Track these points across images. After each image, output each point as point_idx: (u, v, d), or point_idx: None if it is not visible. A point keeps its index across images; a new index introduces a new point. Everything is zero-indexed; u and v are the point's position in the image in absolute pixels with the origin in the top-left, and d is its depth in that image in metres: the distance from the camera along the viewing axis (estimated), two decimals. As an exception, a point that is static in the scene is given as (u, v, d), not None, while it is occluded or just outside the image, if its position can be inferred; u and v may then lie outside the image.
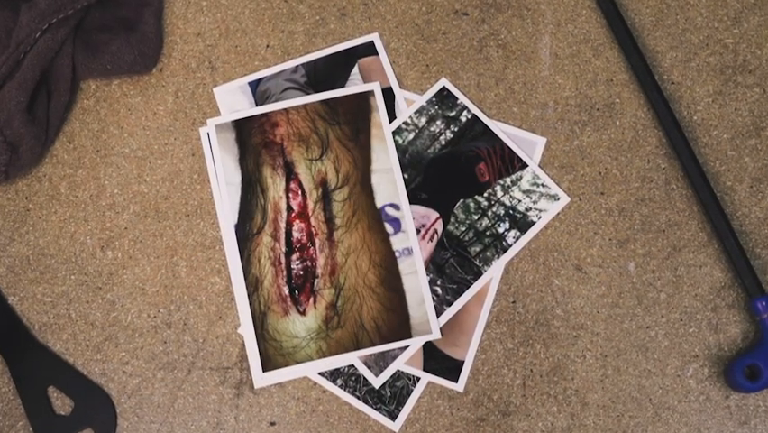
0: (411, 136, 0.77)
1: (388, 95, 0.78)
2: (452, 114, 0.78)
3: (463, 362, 0.73)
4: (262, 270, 0.74)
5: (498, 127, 0.77)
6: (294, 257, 0.74)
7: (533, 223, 0.76)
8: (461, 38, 0.79)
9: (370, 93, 0.78)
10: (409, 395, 0.73)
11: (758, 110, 0.78)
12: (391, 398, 0.73)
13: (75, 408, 0.72)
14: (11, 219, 0.76)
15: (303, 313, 0.73)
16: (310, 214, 0.75)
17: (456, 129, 0.77)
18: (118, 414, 0.72)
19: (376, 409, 0.72)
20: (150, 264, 0.75)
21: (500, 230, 0.75)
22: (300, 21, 0.80)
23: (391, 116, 0.78)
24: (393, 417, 0.72)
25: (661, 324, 0.74)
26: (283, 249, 0.74)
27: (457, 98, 0.78)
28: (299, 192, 0.75)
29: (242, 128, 0.77)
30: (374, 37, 0.79)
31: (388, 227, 0.75)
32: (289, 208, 0.75)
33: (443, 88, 0.78)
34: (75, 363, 0.73)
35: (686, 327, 0.74)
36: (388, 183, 0.76)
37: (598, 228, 0.76)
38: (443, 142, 0.77)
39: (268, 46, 0.79)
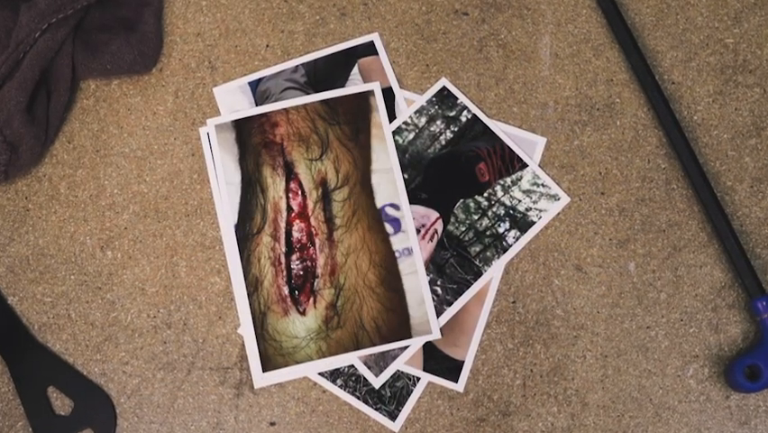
0: (411, 136, 0.77)
1: (388, 95, 0.78)
2: (452, 114, 0.78)
3: (463, 362, 0.73)
4: (262, 270, 0.74)
5: (498, 127, 0.77)
6: (294, 257, 0.74)
7: (533, 223, 0.75)
8: (462, 38, 0.79)
9: (370, 93, 0.78)
10: (409, 395, 0.73)
11: (758, 110, 0.78)
12: (391, 398, 0.73)
13: (74, 408, 0.72)
14: (10, 219, 0.76)
15: (303, 313, 0.73)
16: (310, 214, 0.75)
17: (456, 129, 0.77)
18: (118, 414, 0.72)
19: (376, 410, 0.72)
20: (150, 264, 0.75)
21: (500, 230, 0.75)
22: (300, 21, 0.80)
23: (391, 116, 0.78)
24: (393, 417, 0.72)
25: (661, 324, 0.74)
26: (283, 249, 0.74)
27: (457, 98, 0.78)
28: (299, 192, 0.75)
29: (242, 128, 0.77)
30: (374, 37, 0.79)
31: (388, 227, 0.75)
32: (289, 208, 0.75)
33: (443, 88, 0.78)
34: (75, 364, 0.73)
35: (686, 327, 0.74)
36: (388, 183, 0.76)
37: (598, 228, 0.76)
38: (443, 142, 0.77)
39: (268, 46, 0.79)
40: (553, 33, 0.80)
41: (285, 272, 0.74)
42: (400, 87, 0.78)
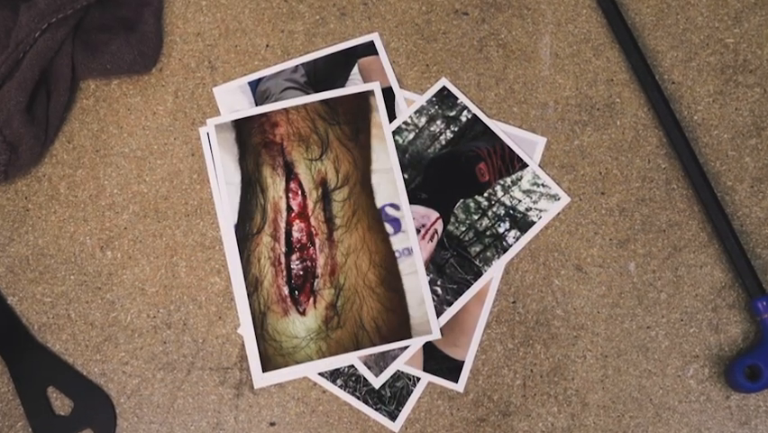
0: (411, 136, 0.77)
1: (388, 95, 0.78)
2: (452, 113, 0.78)
3: (463, 362, 0.73)
4: (262, 270, 0.74)
5: (498, 127, 0.77)
6: (294, 257, 0.74)
7: (533, 223, 0.75)
8: (462, 38, 0.79)
9: (370, 93, 0.78)
10: (409, 395, 0.73)
11: (759, 110, 0.78)
12: (391, 398, 0.73)
13: (74, 408, 0.72)
14: (10, 219, 0.76)
15: (303, 313, 0.73)
16: (310, 214, 0.75)
17: (456, 129, 0.77)
18: (118, 414, 0.72)
19: (376, 410, 0.72)
20: (150, 264, 0.75)
21: (500, 230, 0.75)
22: (300, 20, 0.80)
23: (391, 116, 0.78)
24: (393, 417, 0.72)
25: (661, 324, 0.74)
26: (283, 249, 0.74)
27: (457, 98, 0.78)
28: (299, 192, 0.75)
29: (242, 128, 0.77)
30: (374, 37, 0.79)
31: (388, 227, 0.75)
32: (289, 208, 0.75)
33: (443, 88, 0.78)
34: (74, 364, 0.73)
35: (686, 328, 0.74)
36: (388, 183, 0.76)
37: (598, 228, 0.76)
38: (443, 142, 0.77)
39: (267, 46, 0.79)
40: (553, 33, 0.79)
41: (285, 272, 0.74)
42: (400, 87, 0.78)
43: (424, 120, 0.78)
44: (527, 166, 0.76)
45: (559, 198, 0.76)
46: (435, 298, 0.74)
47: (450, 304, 0.74)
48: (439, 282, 0.74)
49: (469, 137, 0.77)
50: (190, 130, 0.78)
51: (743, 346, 0.74)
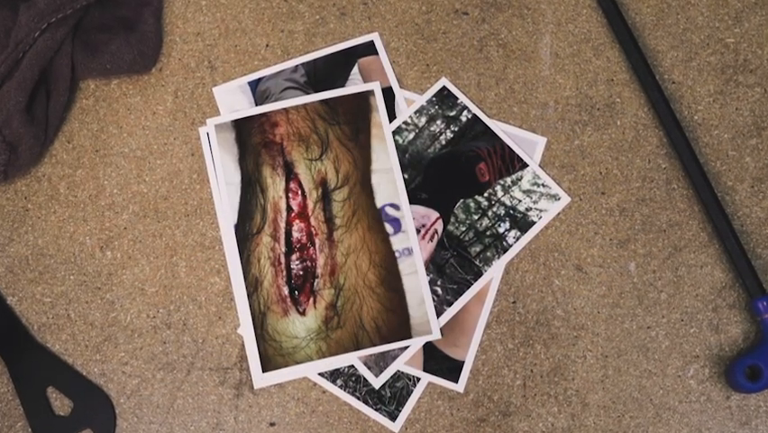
0: (411, 136, 0.77)
1: (388, 94, 0.78)
2: (452, 113, 0.78)
3: (463, 362, 0.73)
4: (262, 270, 0.74)
5: (498, 127, 0.77)
6: (294, 257, 0.74)
7: (533, 223, 0.75)
8: (462, 37, 0.79)
9: (370, 93, 0.78)
10: (409, 396, 0.73)
11: (759, 110, 0.78)
12: (391, 398, 0.73)
13: (74, 408, 0.72)
14: (10, 219, 0.76)
15: (303, 313, 0.73)
16: (310, 214, 0.75)
17: (456, 129, 0.77)
18: (117, 414, 0.72)
19: (376, 410, 0.72)
20: (150, 264, 0.75)
21: (501, 230, 0.75)
22: (300, 20, 0.80)
23: (391, 116, 0.77)
24: (393, 417, 0.72)
25: (661, 324, 0.74)
26: (283, 249, 0.74)
27: (457, 98, 0.78)
28: (299, 192, 0.75)
29: (242, 128, 0.77)
30: (374, 37, 0.79)
31: (388, 227, 0.75)
32: (289, 208, 0.75)
33: (443, 88, 0.78)
34: (74, 364, 0.73)
35: (687, 328, 0.74)
36: (388, 183, 0.76)
37: (598, 228, 0.76)
38: (444, 142, 0.77)
39: (267, 46, 0.79)
40: (553, 33, 0.79)
41: (285, 272, 0.74)
42: (400, 87, 0.78)
43: (424, 120, 0.77)
44: (527, 166, 0.76)
45: (559, 198, 0.76)
46: (435, 298, 0.74)
47: (450, 304, 0.74)
48: (439, 282, 0.74)
49: (469, 137, 0.77)
50: (190, 130, 0.78)
51: (743, 346, 0.74)
